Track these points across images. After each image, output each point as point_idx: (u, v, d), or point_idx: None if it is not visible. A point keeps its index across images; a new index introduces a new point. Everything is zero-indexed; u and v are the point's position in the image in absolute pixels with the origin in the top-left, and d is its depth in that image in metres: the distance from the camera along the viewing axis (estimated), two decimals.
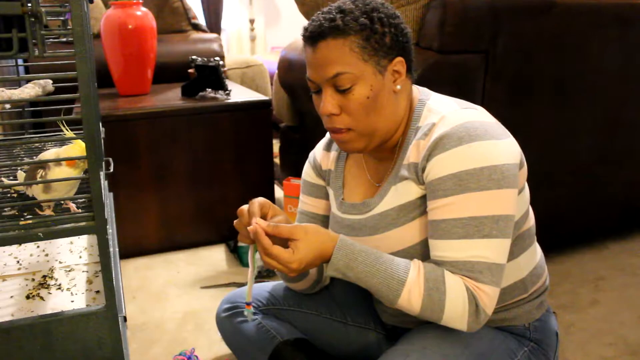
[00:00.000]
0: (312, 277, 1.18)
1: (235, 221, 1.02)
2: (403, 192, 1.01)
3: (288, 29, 5.58)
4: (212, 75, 2.28)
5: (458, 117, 0.96)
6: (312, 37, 0.97)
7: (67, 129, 0.98)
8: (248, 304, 1.06)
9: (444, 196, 0.94)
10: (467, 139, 0.93)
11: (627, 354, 1.49)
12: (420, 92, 1.06)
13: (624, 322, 1.64)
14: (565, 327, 1.60)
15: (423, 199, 0.99)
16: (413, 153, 1.00)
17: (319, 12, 0.99)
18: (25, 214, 0.91)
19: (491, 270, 0.92)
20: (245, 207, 1.01)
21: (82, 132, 0.76)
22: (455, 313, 0.92)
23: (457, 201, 0.93)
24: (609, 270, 1.95)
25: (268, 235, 0.93)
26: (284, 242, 0.95)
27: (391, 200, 1.03)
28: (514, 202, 0.96)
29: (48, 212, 0.93)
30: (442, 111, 0.99)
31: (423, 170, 0.97)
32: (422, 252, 1.00)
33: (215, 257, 2.16)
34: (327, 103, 0.98)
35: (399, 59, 0.99)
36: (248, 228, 0.96)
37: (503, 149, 0.95)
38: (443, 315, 0.92)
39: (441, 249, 0.94)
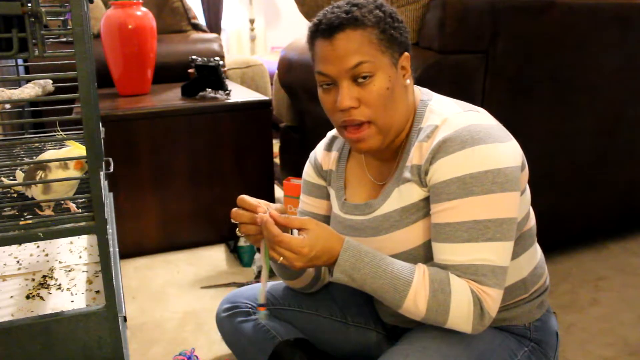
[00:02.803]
0: (310, 273, 1.18)
1: (234, 212, 0.99)
2: (406, 194, 1.01)
3: (288, 29, 5.58)
4: (212, 75, 2.28)
5: (461, 120, 0.96)
6: (330, 29, 0.96)
7: (61, 133, 0.98)
8: (261, 305, 1.05)
9: (447, 200, 0.94)
10: (471, 143, 0.93)
11: (627, 354, 1.49)
12: (422, 93, 1.06)
13: (624, 322, 1.64)
14: (565, 327, 1.60)
15: (426, 201, 0.99)
16: (416, 155, 0.99)
17: (329, 7, 0.99)
18: (25, 214, 0.91)
19: (495, 273, 0.93)
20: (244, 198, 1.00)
21: (82, 132, 0.76)
22: (461, 315, 0.92)
23: (461, 205, 0.93)
24: (609, 270, 1.95)
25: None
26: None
27: (394, 202, 1.02)
28: (517, 205, 0.96)
29: (48, 212, 0.93)
30: (444, 113, 0.99)
31: (426, 173, 0.97)
32: (424, 254, 1.00)
33: (215, 257, 2.16)
34: (346, 96, 0.96)
35: (407, 54, 1.00)
36: (257, 216, 0.95)
37: (506, 152, 0.95)
38: (448, 318, 0.92)
39: (445, 252, 0.94)
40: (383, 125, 0.99)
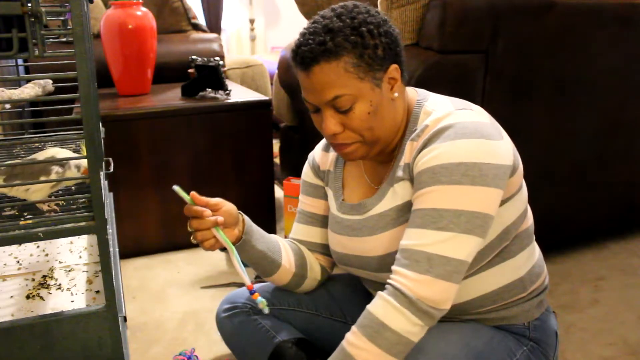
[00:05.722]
0: (288, 271, 1.18)
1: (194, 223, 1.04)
2: (400, 193, 1.01)
3: (288, 29, 5.58)
4: (212, 75, 2.28)
5: (450, 119, 0.96)
6: (304, 62, 0.96)
7: (68, 133, 0.98)
8: (253, 292, 1.06)
9: (419, 188, 0.95)
10: (452, 137, 0.93)
11: (627, 354, 1.49)
12: (418, 94, 1.06)
13: (624, 322, 1.64)
14: (565, 327, 1.60)
15: None
16: (407, 154, 1.01)
17: (305, 32, 0.97)
18: (25, 214, 0.91)
19: (431, 261, 0.90)
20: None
21: (82, 132, 0.76)
22: (406, 326, 0.90)
23: (427, 192, 0.93)
24: (609, 270, 1.95)
25: None
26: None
27: (389, 202, 1.03)
28: (490, 202, 0.93)
29: (51, 206, 0.92)
30: (437, 113, 0.99)
31: (413, 169, 0.98)
32: None
33: (215, 257, 2.16)
34: (329, 123, 0.98)
35: (394, 66, 0.98)
36: None
37: (490, 149, 0.94)
38: (389, 328, 0.90)
39: (404, 236, 0.95)
40: (369, 141, 1.00)
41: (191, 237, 1.06)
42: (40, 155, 0.98)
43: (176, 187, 1.03)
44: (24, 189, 0.93)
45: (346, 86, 0.94)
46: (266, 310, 1.06)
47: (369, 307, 0.93)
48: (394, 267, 0.94)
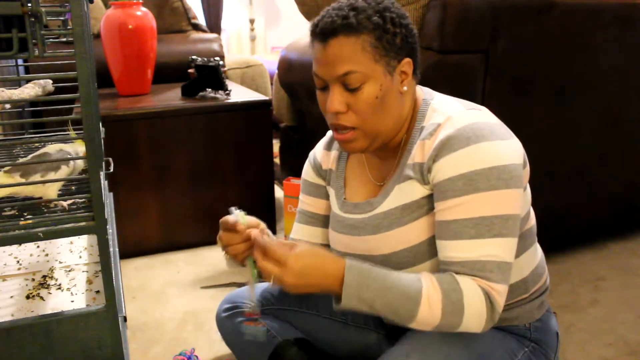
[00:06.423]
0: None
1: (225, 236, 1.02)
2: (407, 191, 1.01)
3: (288, 29, 5.59)
4: (212, 75, 2.28)
5: (464, 118, 0.96)
6: (324, 33, 0.96)
7: (71, 129, 0.98)
8: (251, 320, 1.06)
9: (454, 197, 0.94)
10: (474, 140, 0.93)
11: (627, 354, 1.49)
12: (424, 92, 1.06)
13: (624, 322, 1.64)
14: (565, 327, 1.60)
15: (427, 198, 0.99)
16: (418, 153, 1.00)
17: (329, 8, 0.98)
18: (25, 214, 0.91)
19: (501, 268, 0.93)
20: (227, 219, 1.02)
21: (82, 132, 0.76)
22: (474, 312, 0.91)
23: (467, 201, 0.93)
24: (609, 270, 1.95)
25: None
26: None
27: (395, 200, 1.03)
28: (521, 202, 0.97)
29: (64, 203, 0.92)
30: (447, 111, 0.99)
31: (429, 170, 0.97)
32: (427, 250, 1.00)
33: (215, 257, 2.16)
34: (335, 100, 0.97)
35: (407, 59, 0.98)
36: (251, 232, 0.97)
37: (509, 149, 0.95)
38: (463, 317, 0.91)
39: (452, 249, 0.94)
40: (369, 132, 1.00)
41: (223, 254, 1.05)
42: (48, 150, 0.99)
43: (237, 211, 1.02)
44: (42, 184, 0.93)
45: (360, 63, 0.95)
46: (262, 338, 1.08)
47: (461, 280, 0.92)
48: (471, 278, 0.93)
